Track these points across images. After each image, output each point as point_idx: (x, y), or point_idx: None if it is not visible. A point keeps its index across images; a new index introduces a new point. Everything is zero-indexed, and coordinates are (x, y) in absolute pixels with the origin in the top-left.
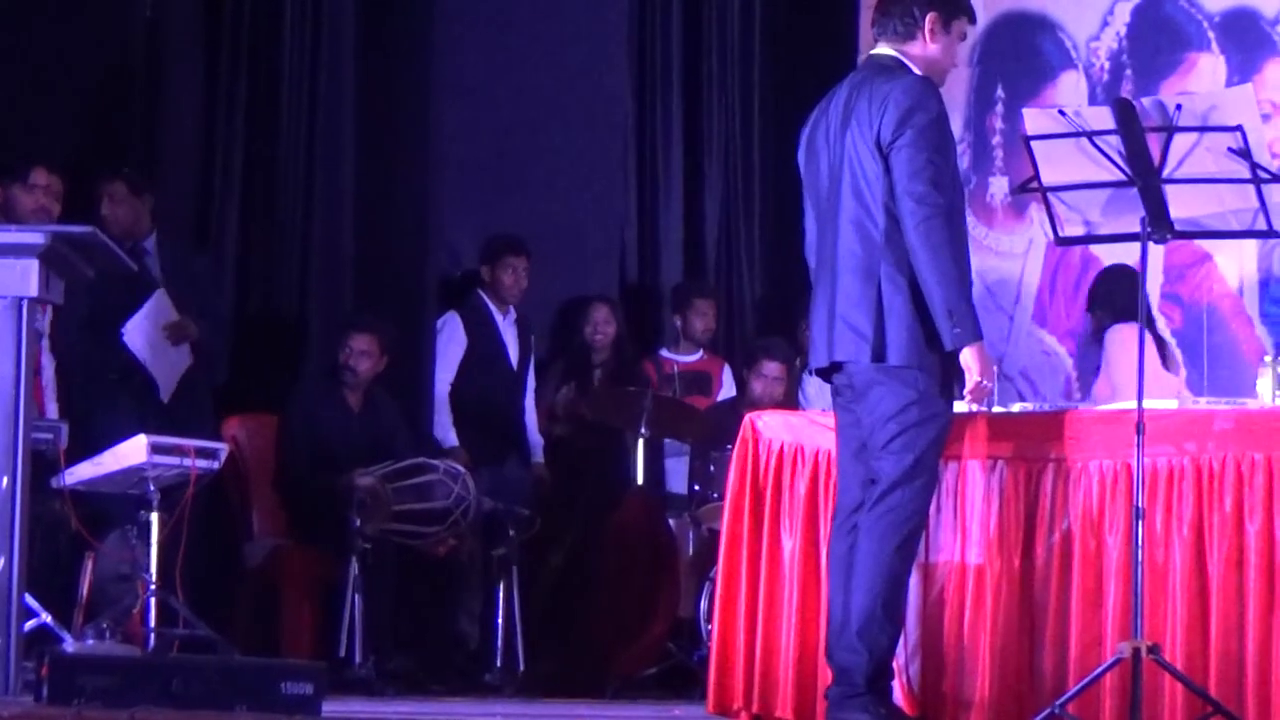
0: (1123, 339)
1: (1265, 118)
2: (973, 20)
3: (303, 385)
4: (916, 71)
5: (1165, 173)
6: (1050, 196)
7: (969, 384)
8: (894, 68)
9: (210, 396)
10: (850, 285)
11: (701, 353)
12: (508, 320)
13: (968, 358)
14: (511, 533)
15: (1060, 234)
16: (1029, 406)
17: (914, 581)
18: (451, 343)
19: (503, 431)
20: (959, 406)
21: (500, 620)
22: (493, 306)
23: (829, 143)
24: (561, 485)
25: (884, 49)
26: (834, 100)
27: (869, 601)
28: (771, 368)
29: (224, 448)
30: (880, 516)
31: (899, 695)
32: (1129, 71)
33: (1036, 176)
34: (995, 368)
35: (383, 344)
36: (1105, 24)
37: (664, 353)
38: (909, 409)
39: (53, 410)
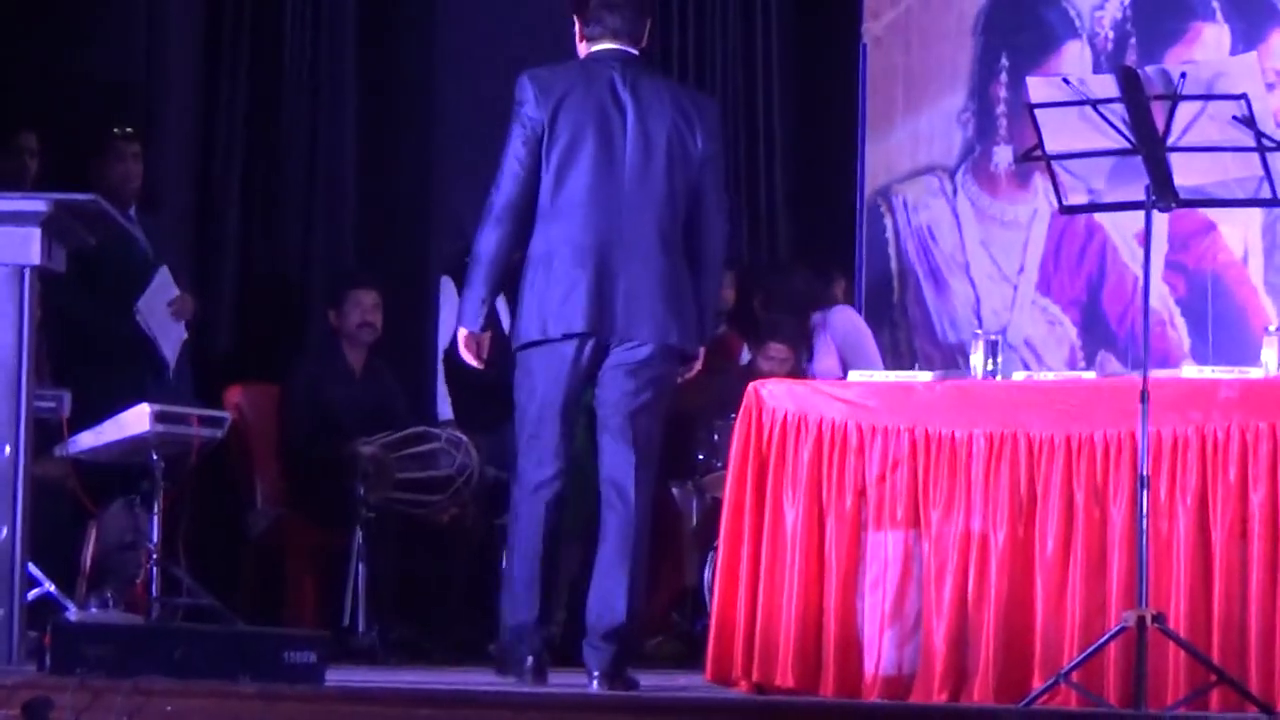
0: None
1: (1270, 86)
2: None
3: (305, 351)
4: None
5: (1170, 141)
6: (1054, 165)
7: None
8: (649, 67)
9: (200, 372)
10: (668, 270)
11: (723, 327)
12: None
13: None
14: None
15: (1064, 202)
16: (1033, 376)
17: (917, 551)
18: (445, 308)
19: (497, 397)
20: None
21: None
22: None
23: (602, 124)
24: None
25: (624, 46)
26: (594, 77)
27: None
28: (778, 349)
29: (227, 417)
30: (649, 502)
31: (870, 671)
32: (1133, 41)
33: (1040, 145)
34: None
35: (383, 300)
36: None
37: None
38: (670, 392)
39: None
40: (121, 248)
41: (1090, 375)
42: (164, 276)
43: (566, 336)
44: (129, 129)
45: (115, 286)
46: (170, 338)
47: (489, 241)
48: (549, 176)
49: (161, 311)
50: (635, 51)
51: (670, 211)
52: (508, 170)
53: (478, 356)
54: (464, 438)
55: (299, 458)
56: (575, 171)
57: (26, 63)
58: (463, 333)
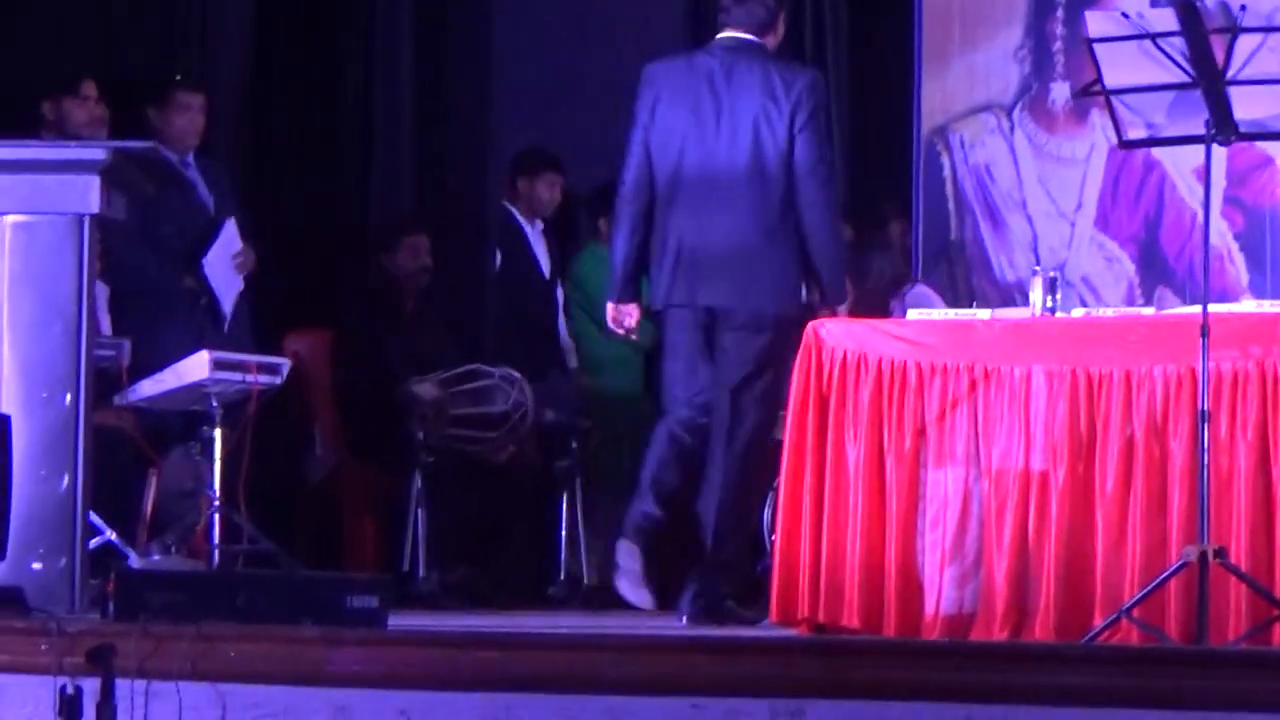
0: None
1: None
2: None
3: (358, 297)
4: None
5: (1229, 74)
6: (1113, 100)
7: None
8: (768, 52)
9: (258, 319)
10: (763, 244)
11: None
12: (536, 231)
13: (842, 313)
14: (574, 444)
15: (1124, 137)
16: (1092, 312)
17: (977, 489)
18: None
19: (541, 345)
20: None
21: (564, 533)
22: (522, 219)
23: (696, 112)
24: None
25: (742, 34)
26: (696, 68)
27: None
28: None
29: (286, 363)
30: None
31: (930, 610)
32: None
33: (1100, 79)
34: None
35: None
36: None
37: None
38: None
39: (106, 328)
40: (181, 197)
41: (1149, 311)
42: (230, 229)
43: (677, 306)
44: (190, 80)
45: (175, 235)
46: (230, 291)
47: (618, 221)
48: (655, 164)
49: (225, 264)
50: (754, 38)
51: (760, 189)
52: (628, 159)
53: (621, 326)
54: (518, 375)
55: (355, 403)
56: (672, 159)
57: (83, 12)
58: (610, 306)
